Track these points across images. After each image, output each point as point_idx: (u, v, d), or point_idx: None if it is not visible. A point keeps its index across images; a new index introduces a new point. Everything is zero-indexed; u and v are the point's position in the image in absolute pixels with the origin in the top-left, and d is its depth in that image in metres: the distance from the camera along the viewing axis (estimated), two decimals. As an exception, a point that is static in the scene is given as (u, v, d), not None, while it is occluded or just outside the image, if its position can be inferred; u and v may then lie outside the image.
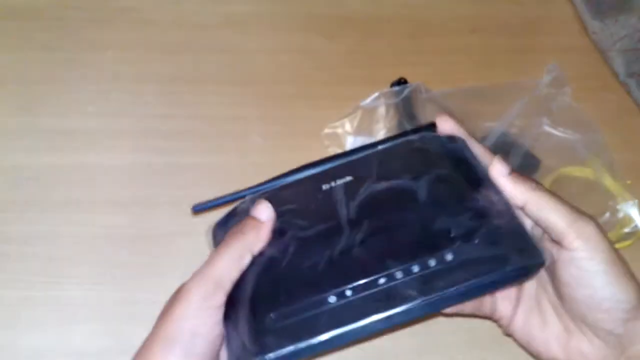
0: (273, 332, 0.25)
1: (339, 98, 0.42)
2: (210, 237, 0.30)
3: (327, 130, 0.41)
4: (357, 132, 0.41)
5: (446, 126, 0.31)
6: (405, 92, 0.41)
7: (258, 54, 0.44)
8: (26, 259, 0.35)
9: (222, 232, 0.29)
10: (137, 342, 0.32)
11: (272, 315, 0.25)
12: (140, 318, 0.33)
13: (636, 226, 0.40)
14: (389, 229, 0.27)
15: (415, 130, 0.32)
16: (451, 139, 0.31)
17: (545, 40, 0.49)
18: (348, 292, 0.25)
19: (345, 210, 0.28)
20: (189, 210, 0.37)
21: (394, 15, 0.48)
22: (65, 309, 0.33)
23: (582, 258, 0.25)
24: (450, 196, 0.28)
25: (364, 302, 0.25)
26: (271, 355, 0.24)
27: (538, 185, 0.28)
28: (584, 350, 0.27)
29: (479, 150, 0.30)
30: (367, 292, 0.25)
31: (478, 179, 0.28)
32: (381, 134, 0.41)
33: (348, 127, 0.41)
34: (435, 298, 0.24)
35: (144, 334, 0.32)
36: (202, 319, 0.25)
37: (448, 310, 0.30)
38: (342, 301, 0.25)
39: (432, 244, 0.26)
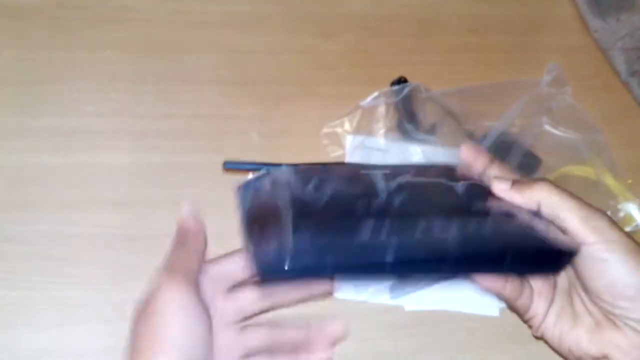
0: (310, 243, 0.25)
1: (338, 97, 0.42)
2: (237, 195, 0.31)
3: (326, 130, 0.41)
4: (357, 131, 0.41)
5: (469, 154, 0.31)
6: (405, 91, 0.41)
7: (257, 53, 0.44)
8: (26, 259, 0.35)
9: (246, 193, 0.30)
10: (137, 342, 0.32)
11: (310, 232, 0.25)
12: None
13: (637, 225, 0.40)
14: (429, 202, 0.28)
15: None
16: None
17: (546, 39, 0.49)
18: (384, 231, 0.25)
19: (383, 186, 0.28)
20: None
21: (393, 14, 0.48)
22: (64, 309, 0.34)
23: (599, 250, 0.26)
24: (485, 196, 0.29)
25: (398, 241, 0.24)
26: (305, 255, 0.24)
27: (546, 184, 0.28)
28: (616, 341, 0.27)
29: (498, 171, 0.30)
30: (403, 234, 0.25)
31: None
32: (381, 133, 0.41)
33: (347, 126, 0.41)
34: (470, 254, 0.25)
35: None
36: (186, 313, 0.25)
37: (487, 284, 0.29)
38: (379, 238, 0.25)
39: (472, 213, 0.26)
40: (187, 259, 0.28)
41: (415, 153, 0.40)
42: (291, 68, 0.44)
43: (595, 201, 0.40)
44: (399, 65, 0.44)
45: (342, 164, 0.33)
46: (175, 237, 0.29)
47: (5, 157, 0.38)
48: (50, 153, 0.38)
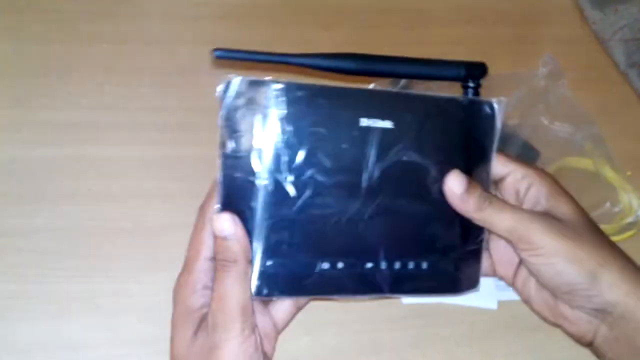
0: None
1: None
2: (221, 92, 0.28)
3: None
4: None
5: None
6: (402, 82, 0.41)
7: (253, 46, 0.44)
8: (20, 252, 0.34)
9: (235, 101, 0.28)
10: (132, 335, 0.32)
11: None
12: (135, 311, 0.33)
13: (637, 216, 0.39)
14: (394, 217, 0.30)
15: (468, 66, 0.34)
16: (490, 106, 0.33)
17: (544, 30, 0.49)
18: (340, 264, 0.29)
19: (370, 170, 0.29)
20: (183, 203, 0.37)
21: (390, 6, 0.47)
22: (59, 301, 0.33)
23: (528, 257, 0.28)
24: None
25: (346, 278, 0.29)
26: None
27: (486, 197, 0.29)
28: (567, 315, 0.29)
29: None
30: (352, 270, 0.29)
31: (485, 172, 0.31)
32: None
33: (344, 118, 0.41)
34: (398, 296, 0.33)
35: (138, 326, 0.32)
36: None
37: None
38: (332, 270, 0.29)
39: (418, 248, 0.30)
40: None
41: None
42: (287, 60, 0.43)
43: (594, 193, 0.40)
44: (395, 57, 0.44)
45: (359, 58, 0.31)
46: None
47: (0, 150, 0.38)
48: (45, 146, 0.38)
